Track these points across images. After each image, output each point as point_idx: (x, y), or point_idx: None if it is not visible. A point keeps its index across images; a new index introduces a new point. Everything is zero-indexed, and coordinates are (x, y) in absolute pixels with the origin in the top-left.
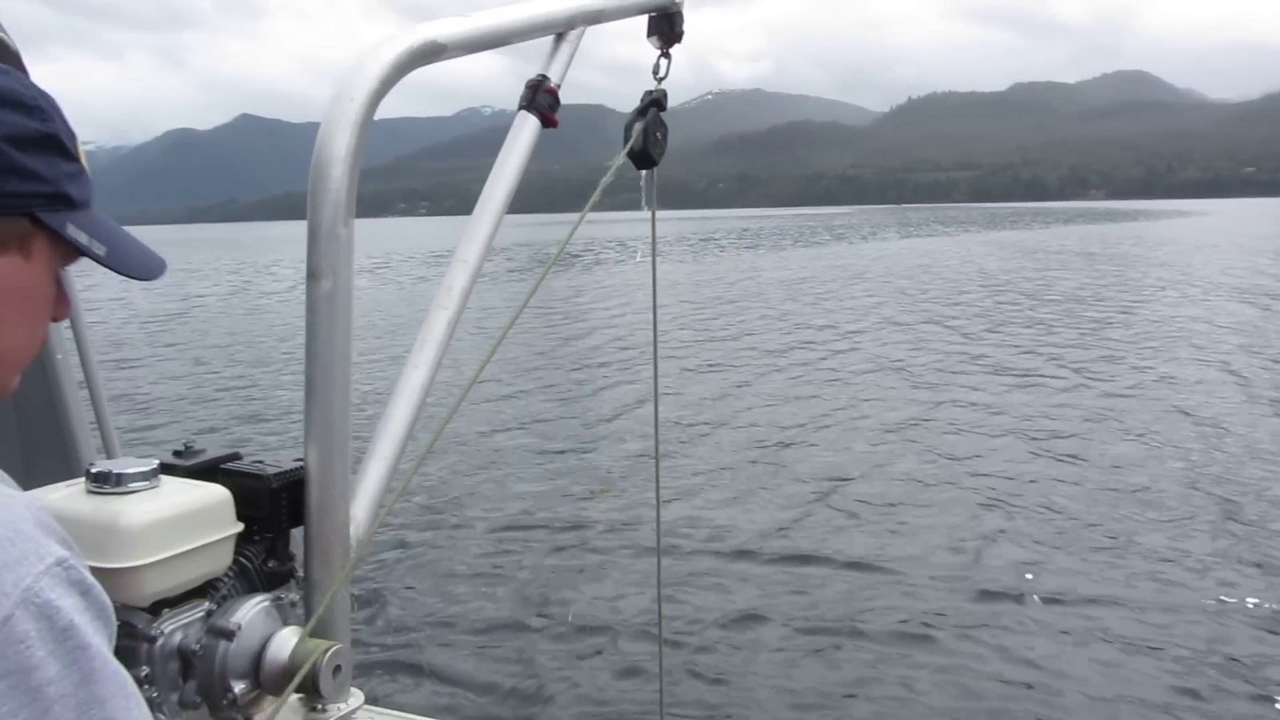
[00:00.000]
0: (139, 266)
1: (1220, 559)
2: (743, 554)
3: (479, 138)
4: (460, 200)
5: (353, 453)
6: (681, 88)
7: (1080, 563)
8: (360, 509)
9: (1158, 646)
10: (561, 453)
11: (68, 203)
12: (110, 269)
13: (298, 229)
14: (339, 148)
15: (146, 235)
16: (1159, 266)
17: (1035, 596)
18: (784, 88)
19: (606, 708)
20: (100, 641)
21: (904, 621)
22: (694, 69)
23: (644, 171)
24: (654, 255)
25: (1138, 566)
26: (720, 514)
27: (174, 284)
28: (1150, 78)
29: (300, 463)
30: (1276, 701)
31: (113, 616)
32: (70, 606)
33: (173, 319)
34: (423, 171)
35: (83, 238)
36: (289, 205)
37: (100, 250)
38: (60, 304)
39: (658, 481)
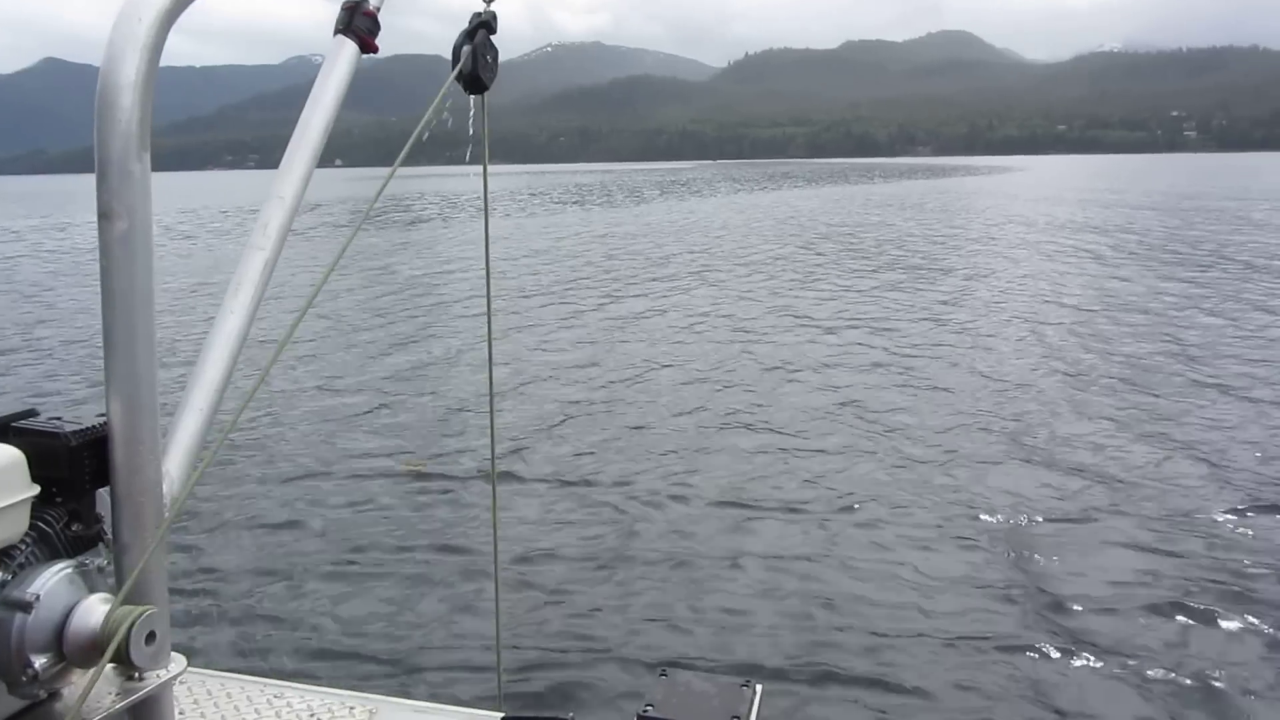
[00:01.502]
0: None
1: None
2: (573, 488)
3: (310, 87)
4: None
5: (164, 406)
6: (519, 40)
7: (841, 491)
8: (174, 465)
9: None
10: (391, 399)
11: None
12: None
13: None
14: (127, 73)
15: None
16: (978, 220)
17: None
18: (623, 41)
19: (444, 650)
20: None
21: (701, 547)
22: (532, 21)
23: (474, 98)
24: (485, 191)
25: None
26: (550, 451)
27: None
28: (972, 38)
29: (103, 418)
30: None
31: None
32: None
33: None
34: (250, 122)
35: None
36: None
37: None
38: None
39: (491, 420)
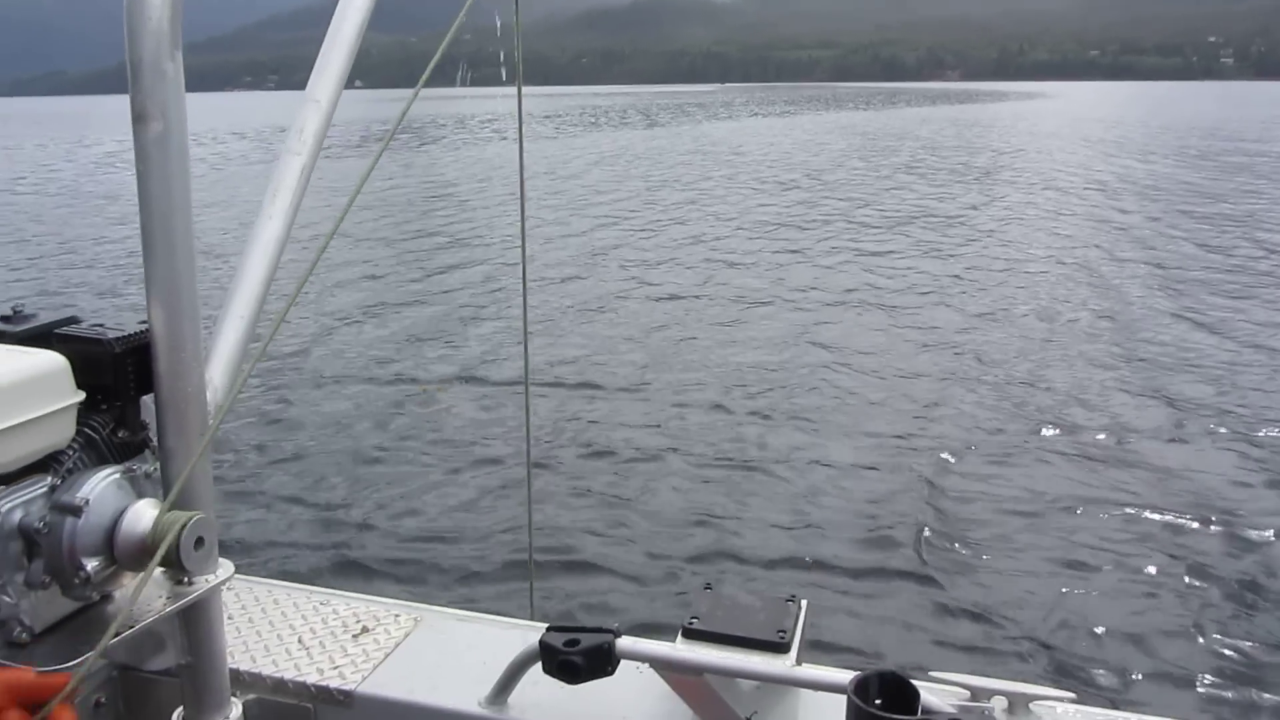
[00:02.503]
0: None
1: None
2: (603, 389)
3: (328, 6)
4: (310, 73)
5: (205, 313)
6: None
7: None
8: (217, 372)
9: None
10: (421, 308)
11: None
12: None
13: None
14: None
15: None
16: (1010, 151)
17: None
18: None
19: (479, 564)
20: None
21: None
22: None
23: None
24: (520, 110)
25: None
26: (582, 357)
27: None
28: None
29: (145, 325)
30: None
31: None
32: None
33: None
34: (270, 42)
35: None
36: (124, 77)
37: None
38: None
39: (525, 327)
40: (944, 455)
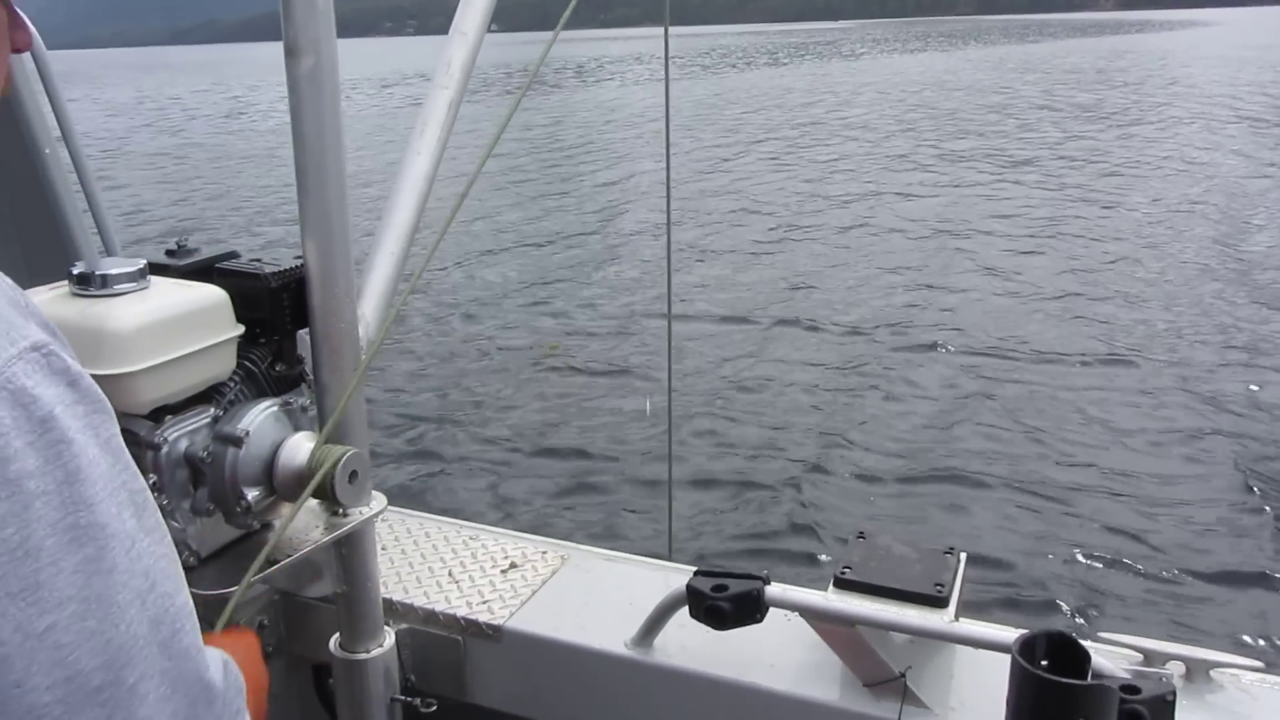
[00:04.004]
0: None
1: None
2: (745, 321)
3: None
4: (449, 18)
5: (356, 248)
6: None
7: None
8: (369, 308)
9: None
10: (569, 252)
11: None
12: None
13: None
14: None
15: (125, 59)
16: (1168, 85)
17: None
18: None
19: (619, 506)
20: (89, 439)
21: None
22: None
23: None
24: (666, 56)
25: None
26: (724, 292)
27: (154, 108)
28: None
29: (300, 260)
30: None
31: (110, 412)
32: (51, 397)
33: (155, 134)
34: None
35: None
36: (272, 25)
37: None
38: (17, 32)
39: (669, 270)
40: (1121, 408)
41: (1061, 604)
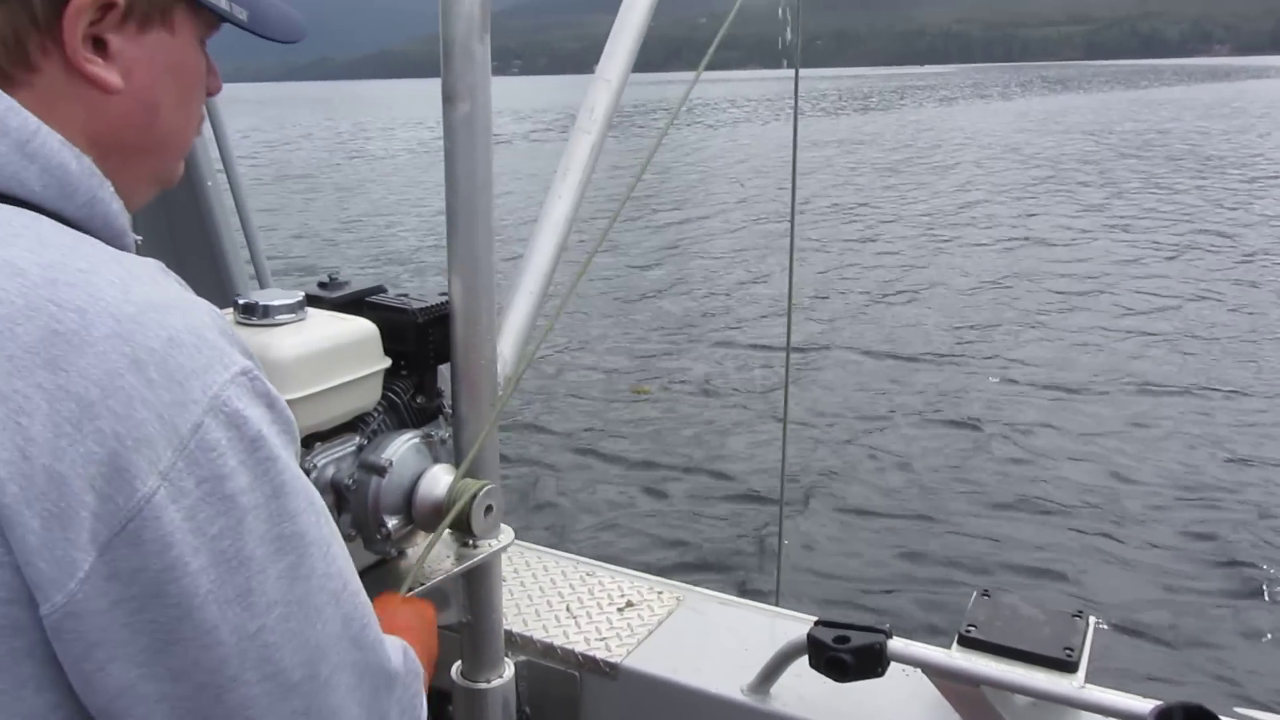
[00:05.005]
0: (281, 27)
1: None
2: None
3: None
4: (553, 59)
5: (498, 287)
6: None
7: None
8: (507, 345)
9: None
10: (693, 296)
11: None
12: (253, 34)
13: (393, 87)
14: None
15: (243, 93)
16: None
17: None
18: None
19: (728, 525)
20: (288, 455)
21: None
22: None
23: None
24: (796, 96)
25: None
26: (846, 334)
27: (277, 140)
28: None
29: (445, 298)
30: None
31: (297, 432)
32: (258, 417)
33: (296, 167)
34: (514, 29)
35: (222, 2)
36: (381, 63)
37: (241, 14)
38: (212, 77)
39: (789, 319)
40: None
41: (1197, 674)
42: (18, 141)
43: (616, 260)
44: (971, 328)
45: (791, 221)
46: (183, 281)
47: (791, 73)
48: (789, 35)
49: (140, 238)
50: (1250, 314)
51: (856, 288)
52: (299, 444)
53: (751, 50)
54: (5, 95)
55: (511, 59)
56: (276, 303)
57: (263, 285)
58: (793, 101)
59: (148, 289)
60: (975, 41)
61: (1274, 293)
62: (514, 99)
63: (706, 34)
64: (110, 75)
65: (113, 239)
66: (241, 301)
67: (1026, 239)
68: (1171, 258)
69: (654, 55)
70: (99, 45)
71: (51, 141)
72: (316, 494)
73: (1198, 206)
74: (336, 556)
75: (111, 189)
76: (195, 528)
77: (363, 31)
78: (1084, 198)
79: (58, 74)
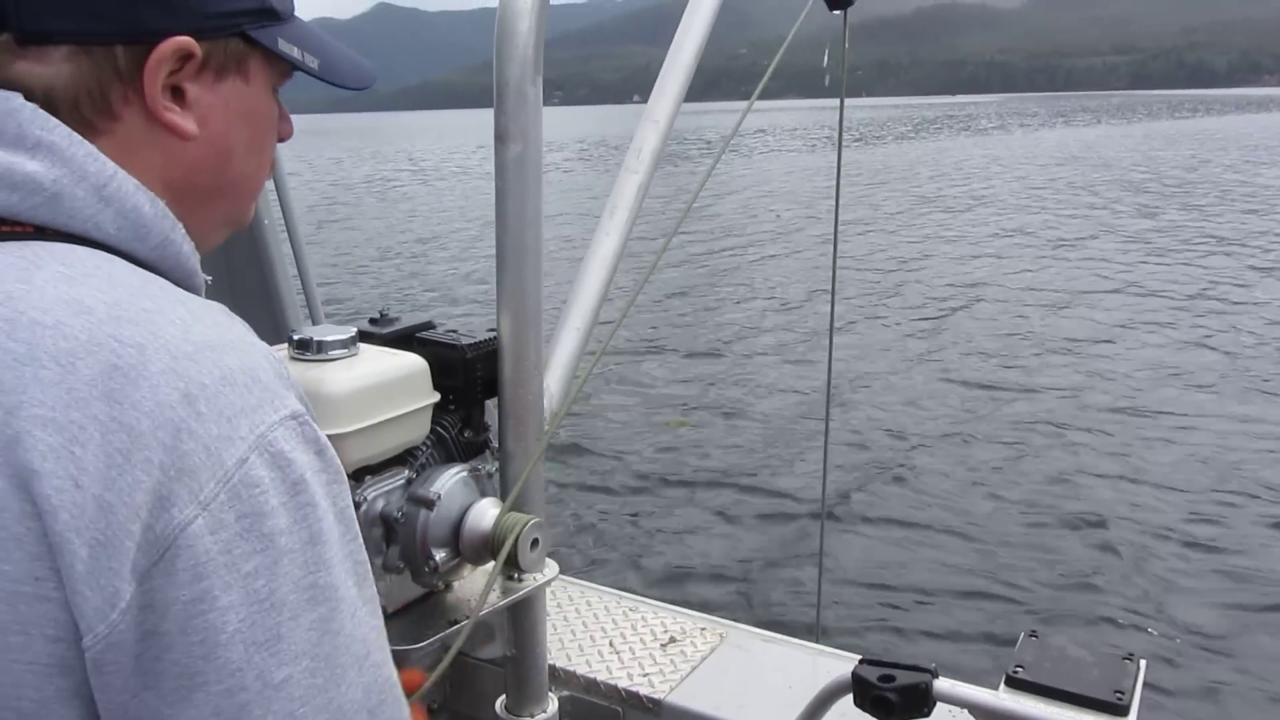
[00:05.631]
0: (351, 75)
1: None
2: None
3: (613, 26)
4: (593, 89)
5: (545, 323)
6: None
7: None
8: (553, 380)
9: None
10: (736, 331)
11: (274, 16)
12: (324, 81)
13: (437, 118)
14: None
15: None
16: None
17: None
18: None
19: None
20: (329, 505)
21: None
22: None
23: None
24: (840, 124)
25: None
26: (886, 363)
27: (335, 170)
28: None
29: (493, 333)
30: None
31: (345, 483)
32: (303, 462)
33: (344, 198)
34: (555, 60)
35: (295, 51)
36: (426, 94)
37: (313, 63)
38: (284, 123)
39: (830, 353)
40: None
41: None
42: (95, 186)
43: (658, 290)
44: (1017, 356)
45: (834, 254)
46: (246, 325)
47: (834, 102)
48: (826, 60)
49: (210, 278)
50: None
51: (895, 318)
52: (349, 493)
53: (791, 80)
54: (86, 143)
55: (553, 90)
56: (330, 338)
57: (315, 321)
58: (836, 131)
59: (208, 330)
60: (1019, 71)
61: None
62: (554, 130)
63: (744, 64)
64: (187, 123)
65: (183, 279)
66: (296, 337)
67: (1089, 258)
68: (1249, 285)
69: (693, 85)
70: (177, 93)
71: (127, 185)
72: (358, 551)
73: (1250, 236)
74: (363, 622)
75: (183, 231)
76: (230, 562)
77: (406, 63)
78: (1132, 226)
79: (137, 122)
